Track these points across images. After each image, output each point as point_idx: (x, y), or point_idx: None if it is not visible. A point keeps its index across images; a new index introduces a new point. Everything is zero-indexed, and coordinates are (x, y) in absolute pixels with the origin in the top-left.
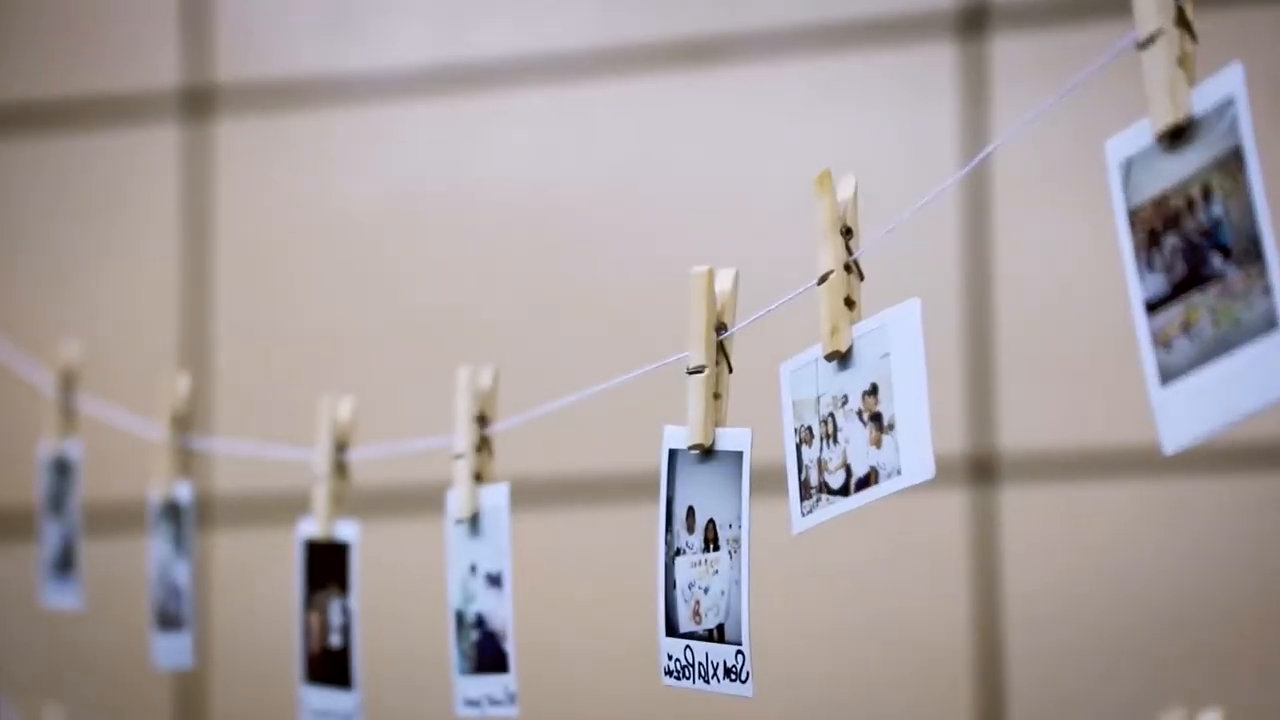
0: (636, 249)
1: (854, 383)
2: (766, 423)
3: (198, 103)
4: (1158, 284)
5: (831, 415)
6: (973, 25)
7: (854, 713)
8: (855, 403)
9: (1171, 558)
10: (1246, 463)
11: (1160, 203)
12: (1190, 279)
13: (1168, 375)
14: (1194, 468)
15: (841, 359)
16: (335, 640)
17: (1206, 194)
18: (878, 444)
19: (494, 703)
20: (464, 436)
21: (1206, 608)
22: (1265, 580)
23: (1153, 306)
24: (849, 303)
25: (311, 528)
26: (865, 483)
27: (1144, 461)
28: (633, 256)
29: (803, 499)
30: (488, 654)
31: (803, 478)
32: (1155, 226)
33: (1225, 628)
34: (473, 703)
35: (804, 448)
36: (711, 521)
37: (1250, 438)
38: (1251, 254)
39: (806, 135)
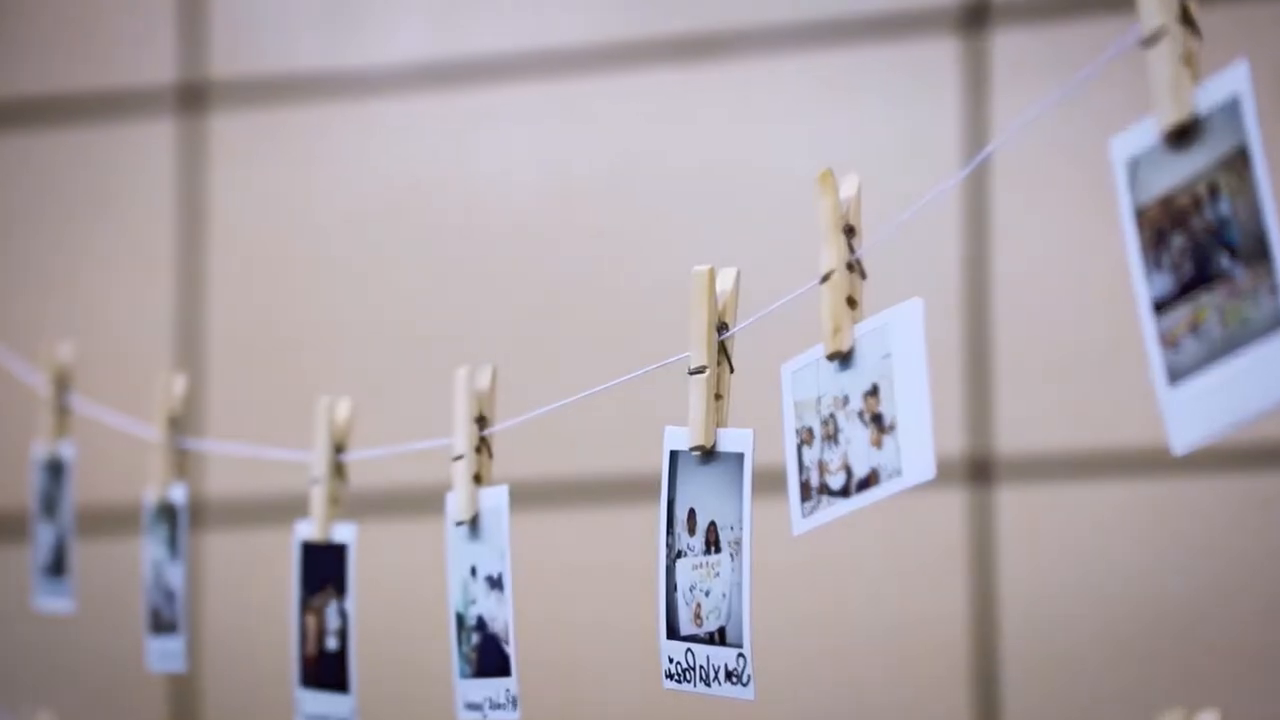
0: (638, 248)
1: (855, 383)
2: (768, 423)
3: (193, 98)
4: (1165, 284)
5: (833, 416)
6: (974, 21)
7: (853, 713)
8: (856, 403)
9: (1169, 558)
10: (1244, 463)
11: (1166, 202)
12: (1197, 278)
13: (1176, 375)
14: (1192, 468)
15: (843, 359)
16: (332, 643)
17: (1213, 192)
18: (878, 445)
19: (495, 706)
20: (463, 438)
21: (1204, 608)
22: (1264, 581)
23: (1160, 306)
24: (851, 302)
25: (309, 529)
26: (866, 484)
27: (1142, 462)
28: (634, 255)
29: (803, 500)
30: (489, 657)
31: (803, 479)
32: (1161, 226)
33: (1223, 629)
34: (474, 706)
35: (805, 449)
36: (713, 523)
37: (1251, 438)
38: (1259, 253)
39: (807, 132)
